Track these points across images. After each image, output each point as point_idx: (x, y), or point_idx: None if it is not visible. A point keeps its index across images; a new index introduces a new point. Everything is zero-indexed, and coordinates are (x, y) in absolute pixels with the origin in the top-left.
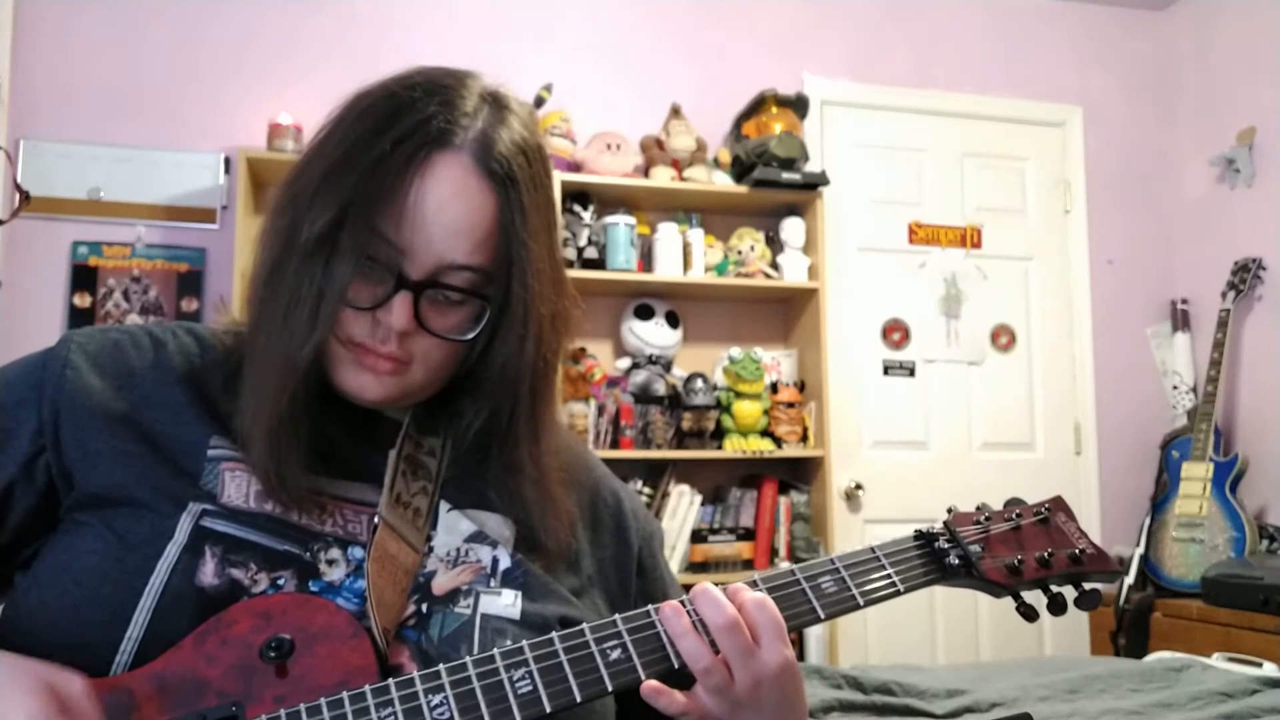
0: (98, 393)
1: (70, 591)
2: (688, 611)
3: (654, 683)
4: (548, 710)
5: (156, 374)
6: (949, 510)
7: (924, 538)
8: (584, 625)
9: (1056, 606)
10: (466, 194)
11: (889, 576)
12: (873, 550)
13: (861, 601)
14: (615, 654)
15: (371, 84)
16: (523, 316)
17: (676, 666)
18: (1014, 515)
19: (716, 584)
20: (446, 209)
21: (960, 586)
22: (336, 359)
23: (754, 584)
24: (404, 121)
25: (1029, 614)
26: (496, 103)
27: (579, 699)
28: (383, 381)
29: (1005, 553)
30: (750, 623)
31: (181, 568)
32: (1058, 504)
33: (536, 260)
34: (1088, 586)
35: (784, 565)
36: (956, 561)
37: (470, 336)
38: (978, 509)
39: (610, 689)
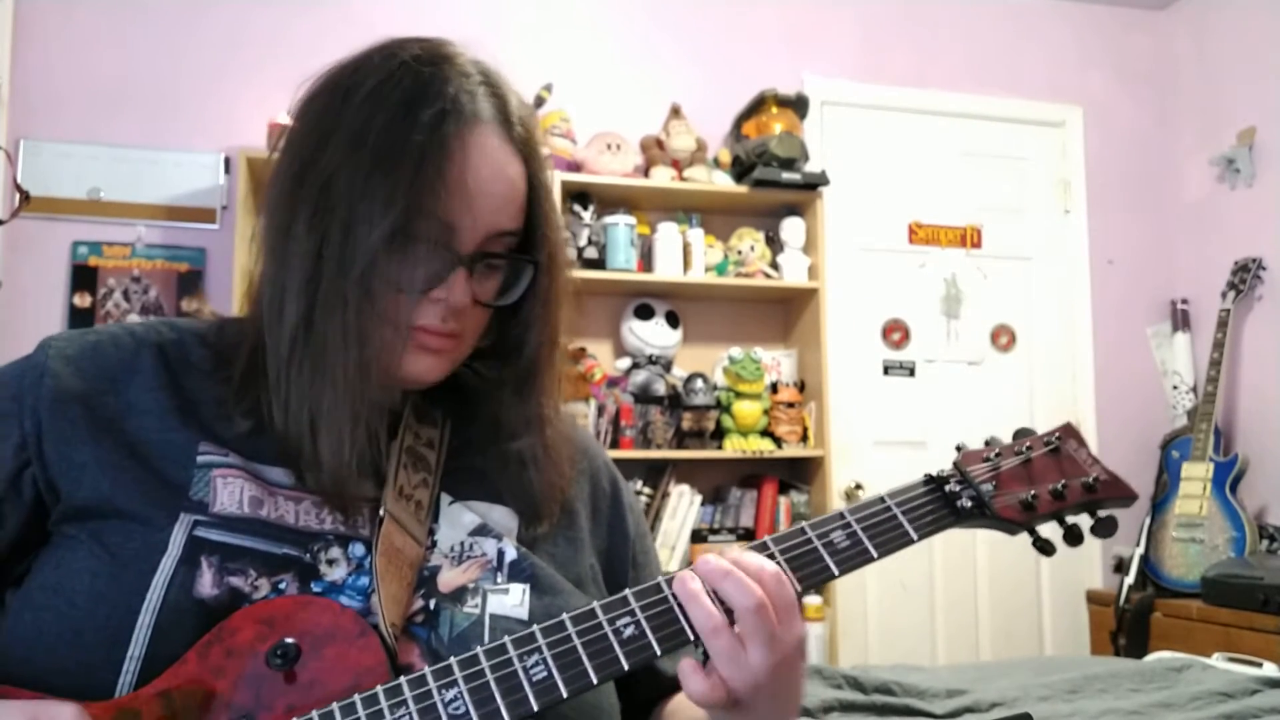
0: (79, 400)
1: (66, 614)
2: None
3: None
4: (564, 696)
5: (140, 378)
6: (958, 449)
7: (934, 481)
8: (595, 605)
9: (1073, 537)
10: (505, 164)
11: (900, 525)
12: (883, 499)
13: (876, 554)
14: (629, 631)
15: (363, 59)
16: (553, 271)
17: (692, 638)
18: (1024, 448)
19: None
20: (492, 182)
21: (974, 527)
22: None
23: (764, 546)
24: (433, 101)
25: (1045, 548)
26: (487, 70)
27: (595, 681)
28: (442, 360)
29: (1018, 488)
30: (771, 600)
31: (178, 581)
32: (1068, 431)
33: (556, 215)
34: (1103, 514)
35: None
36: (969, 504)
37: (516, 298)
38: (987, 444)
39: (626, 667)
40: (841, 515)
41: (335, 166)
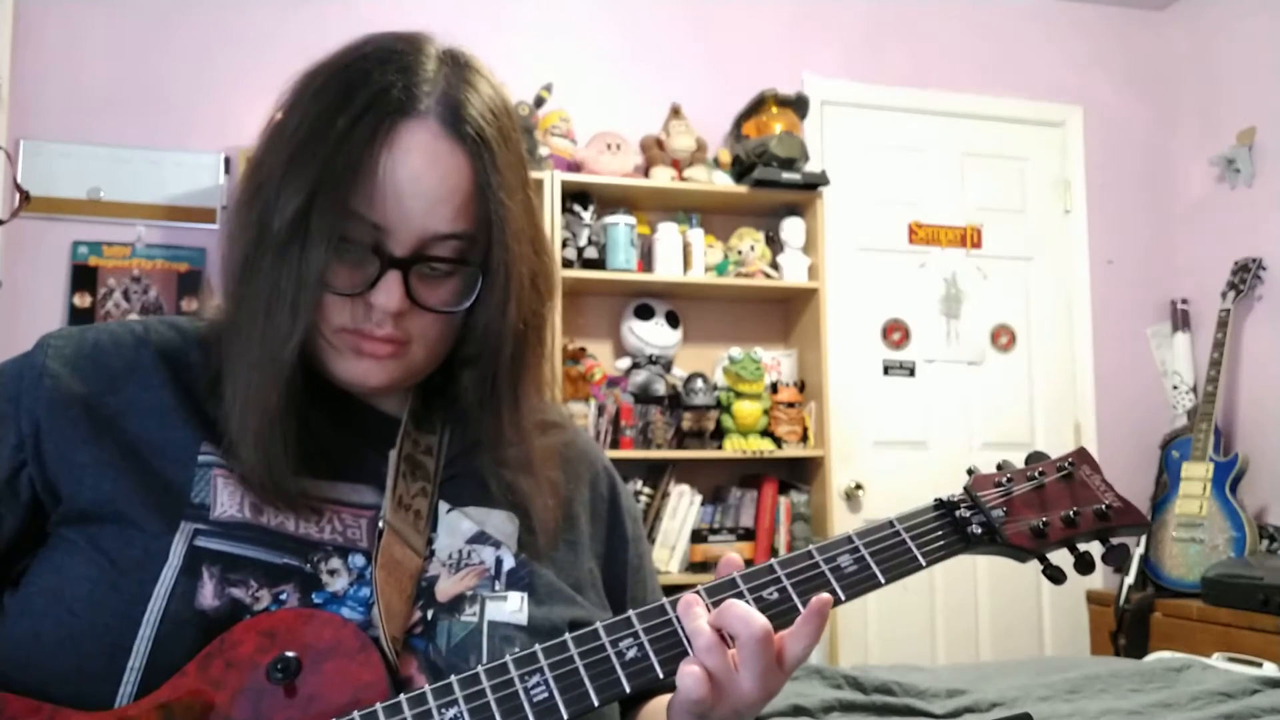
0: (79, 401)
1: (66, 622)
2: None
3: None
4: (565, 718)
5: (141, 376)
6: (969, 472)
7: (944, 506)
8: (598, 625)
9: (1084, 565)
10: (439, 160)
11: (909, 551)
12: (892, 523)
13: (883, 579)
14: (632, 653)
15: (320, 60)
16: (504, 279)
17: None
18: (1037, 473)
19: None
20: (421, 179)
21: (985, 554)
22: (331, 351)
23: (770, 569)
24: (362, 94)
25: (1056, 577)
26: (456, 62)
27: (596, 703)
28: (384, 366)
29: (1029, 514)
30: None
31: (179, 592)
32: (1082, 456)
33: (514, 220)
34: (1115, 541)
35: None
36: (979, 530)
37: (466, 306)
38: (999, 468)
39: (628, 689)
40: (849, 539)
41: (263, 156)
